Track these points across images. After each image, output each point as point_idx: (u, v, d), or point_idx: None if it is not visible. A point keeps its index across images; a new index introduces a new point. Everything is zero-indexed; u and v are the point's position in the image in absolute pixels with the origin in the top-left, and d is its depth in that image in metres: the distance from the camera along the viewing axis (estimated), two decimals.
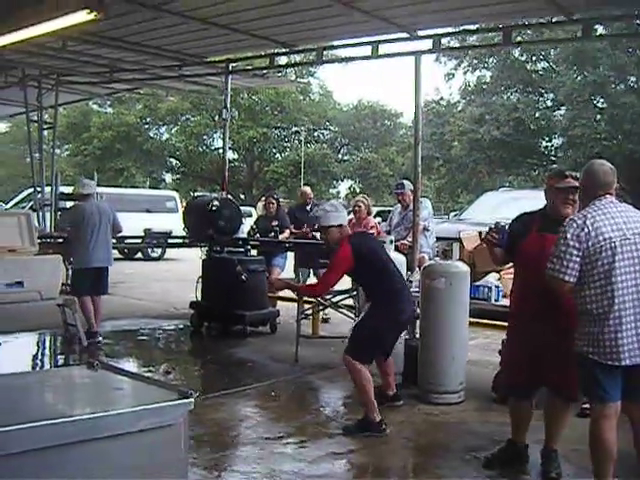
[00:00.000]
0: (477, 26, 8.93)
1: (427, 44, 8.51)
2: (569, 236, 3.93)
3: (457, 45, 19.99)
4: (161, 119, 43.89)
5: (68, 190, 15.51)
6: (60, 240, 9.86)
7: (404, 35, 8.46)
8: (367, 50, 8.79)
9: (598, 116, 27.89)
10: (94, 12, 6.93)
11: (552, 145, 33.75)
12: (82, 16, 7.02)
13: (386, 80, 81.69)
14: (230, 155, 45.67)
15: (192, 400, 2.77)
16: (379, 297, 5.75)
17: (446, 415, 6.02)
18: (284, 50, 9.83)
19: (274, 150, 48.70)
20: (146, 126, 44.37)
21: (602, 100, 28.58)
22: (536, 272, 4.39)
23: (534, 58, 31.31)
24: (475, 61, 32.12)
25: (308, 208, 10.90)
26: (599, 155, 26.86)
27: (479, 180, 36.77)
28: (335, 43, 9.33)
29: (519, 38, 20.58)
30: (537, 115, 31.14)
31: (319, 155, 45.92)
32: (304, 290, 7.34)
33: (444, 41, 8.40)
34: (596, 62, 26.80)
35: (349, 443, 5.28)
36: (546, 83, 30.67)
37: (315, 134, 49.60)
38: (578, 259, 3.92)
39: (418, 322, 6.85)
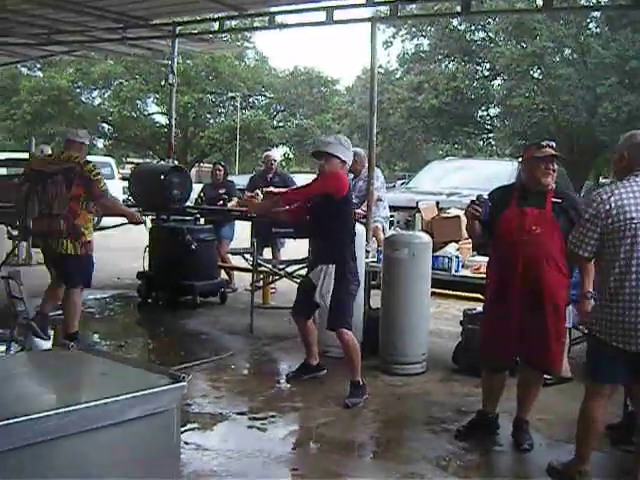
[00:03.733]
0: None
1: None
2: (591, 210, 3.84)
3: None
4: (93, 83, 42.61)
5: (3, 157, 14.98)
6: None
7: (360, 1, 8.27)
8: (321, 16, 8.56)
9: (535, 87, 28.20)
10: None
11: (489, 114, 34.09)
12: None
13: (323, 46, 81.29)
14: (163, 120, 44.75)
15: (185, 384, 2.63)
16: (345, 254, 5.61)
17: (410, 386, 6.01)
18: (234, 14, 9.55)
19: (209, 116, 47.86)
20: (78, 90, 42.97)
21: (539, 71, 28.90)
22: (515, 246, 4.37)
23: (473, 28, 31.42)
24: (413, 29, 32.05)
25: (269, 177, 10.05)
26: (536, 125, 27.38)
27: (415, 148, 36.99)
28: (288, 8, 9.06)
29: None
30: (475, 84, 31.32)
31: (255, 121, 45.26)
32: (284, 198, 5.88)
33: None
34: (535, 33, 27.05)
35: (317, 417, 5.21)
36: (484, 53, 30.82)
37: (250, 100, 48.91)
38: (596, 235, 3.83)
39: (377, 292, 6.82)
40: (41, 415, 2.17)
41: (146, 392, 2.49)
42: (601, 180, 30.27)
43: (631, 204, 3.77)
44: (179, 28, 10.34)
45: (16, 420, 2.14)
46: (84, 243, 6.69)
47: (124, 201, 14.47)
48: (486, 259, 6.42)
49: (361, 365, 5.90)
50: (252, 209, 5.59)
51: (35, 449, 2.16)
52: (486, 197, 4.57)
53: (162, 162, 18.16)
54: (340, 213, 5.60)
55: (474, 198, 4.59)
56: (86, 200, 6.64)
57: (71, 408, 2.26)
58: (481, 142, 37.36)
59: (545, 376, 5.18)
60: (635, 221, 3.75)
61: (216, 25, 10.13)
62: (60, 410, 2.23)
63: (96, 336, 7.79)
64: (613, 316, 3.81)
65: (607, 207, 3.79)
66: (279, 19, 9.49)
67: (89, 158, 7.10)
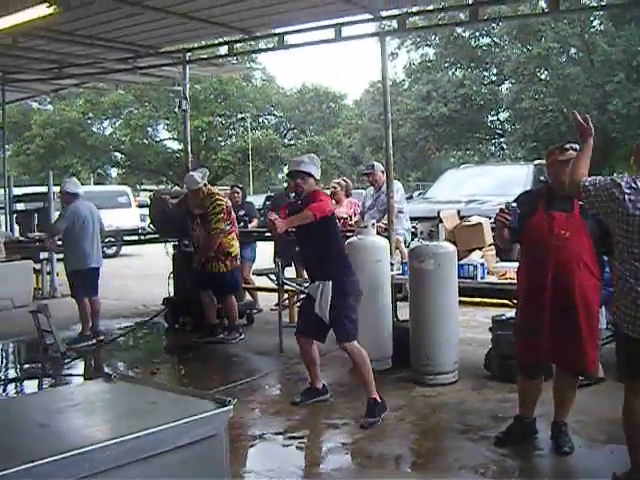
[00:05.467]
0: (443, 4, 8.82)
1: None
2: (611, 181, 3.80)
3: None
4: (104, 113, 43.05)
5: (20, 192, 15.16)
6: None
7: (367, 16, 8.33)
8: (329, 33, 8.64)
9: (544, 88, 28.18)
10: (53, 6, 6.73)
11: (499, 119, 34.09)
12: (41, 10, 6.83)
13: (328, 62, 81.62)
14: (175, 146, 45.05)
15: (231, 407, 2.66)
16: (342, 266, 5.63)
17: (444, 396, 6.00)
18: (243, 37, 9.65)
19: (219, 138, 48.14)
20: (89, 121, 43.40)
21: (547, 72, 28.88)
22: (545, 251, 4.38)
23: (477, 34, 31.48)
24: (418, 39, 32.17)
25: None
26: (547, 126, 27.35)
27: (427, 157, 37.02)
28: (296, 28, 9.14)
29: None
30: (483, 90, 31.38)
31: (266, 141, 45.50)
32: (313, 210, 5.52)
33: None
34: (539, 35, 27.11)
35: (355, 432, 5.21)
36: (490, 58, 30.88)
37: (260, 120, 49.18)
38: (602, 194, 3.75)
39: (403, 304, 6.84)
40: (98, 446, 2.21)
41: (197, 417, 2.52)
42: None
43: None
44: (189, 54, 10.45)
45: (73, 453, 2.18)
46: None
47: (143, 229, 14.62)
48: (511, 265, 6.47)
49: (393, 377, 5.91)
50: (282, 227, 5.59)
51: None
52: (515, 205, 4.56)
53: (177, 188, 18.30)
54: (331, 228, 5.73)
55: (503, 206, 4.57)
56: None
57: (127, 437, 2.29)
58: (493, 147, 37.36)
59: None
60: None
61: (225, 49, 10.21)
62: (116, 440, 2.26)
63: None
64: (626, 308, 3.78)
65: (621, 190, 3.71)
66: (287, 39, 9.57)
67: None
